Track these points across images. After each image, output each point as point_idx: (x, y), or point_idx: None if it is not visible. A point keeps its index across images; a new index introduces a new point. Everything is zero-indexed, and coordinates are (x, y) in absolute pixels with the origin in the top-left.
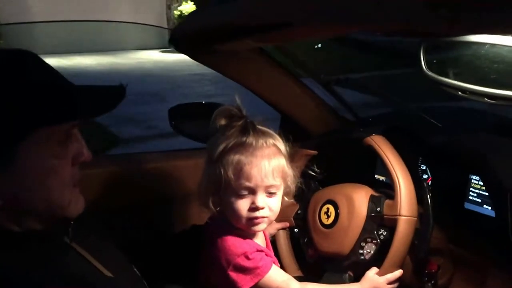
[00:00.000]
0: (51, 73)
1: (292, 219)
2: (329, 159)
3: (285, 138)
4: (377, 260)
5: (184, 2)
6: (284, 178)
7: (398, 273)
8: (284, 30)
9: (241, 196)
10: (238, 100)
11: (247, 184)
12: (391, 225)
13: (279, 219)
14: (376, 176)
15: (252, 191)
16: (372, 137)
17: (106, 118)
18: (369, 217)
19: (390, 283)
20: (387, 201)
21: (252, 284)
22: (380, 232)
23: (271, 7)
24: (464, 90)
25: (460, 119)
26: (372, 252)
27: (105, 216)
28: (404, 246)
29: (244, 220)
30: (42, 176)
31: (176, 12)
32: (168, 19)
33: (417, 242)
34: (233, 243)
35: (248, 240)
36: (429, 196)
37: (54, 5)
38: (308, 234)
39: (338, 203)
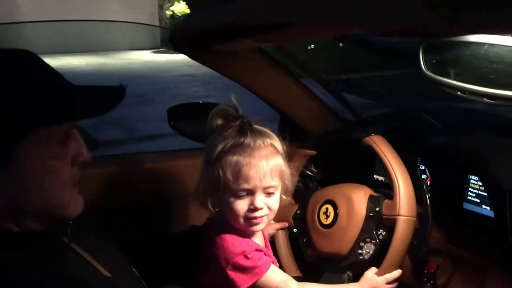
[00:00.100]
0: (51, 73)
1: (291, 219)
2: (328, 159)
3: (282, 137)
4: (376, 260)
5: (176, 2)
6: (282, 177)
7: (397, 273)
8: (284, 30)
9: (239, 197)
10: (234, 100)
11: (246, 185)
12: (390, 225)
13: (278, 219)
14: (375, 176)
15: (251, 192)
16: (371, 137)
17: (86, 120)
18: (368, 217)
19: (389, 283)
20: (386, 201)
21: (250, 283)
22: (379, 232)
23: (271, 7)
24: (463, 90)
25: (459, 119)
26: (371, 252)
27: (104, 216)
28: (403, 246)
29: (242, 220)
30: (41, 176)
31: (168, 12)
32: (160, 19)
33: (416, 242)
34: (232, 242)
35: (247, 240)
36: (428, 196)
37: (43, 5)
38: (307, 234)
39: (337, 203)
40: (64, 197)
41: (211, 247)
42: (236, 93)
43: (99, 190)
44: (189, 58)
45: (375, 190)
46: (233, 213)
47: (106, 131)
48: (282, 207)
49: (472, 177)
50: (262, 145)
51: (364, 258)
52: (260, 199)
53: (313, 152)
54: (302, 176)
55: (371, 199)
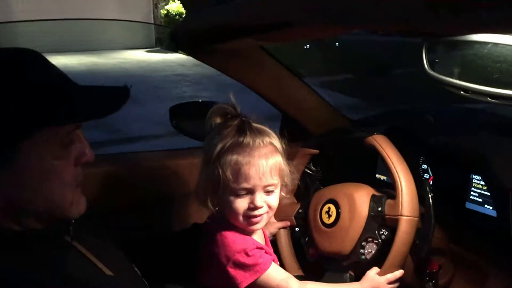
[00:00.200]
0: (55, 73)
1: (293, 218)
2: (330, 159)
3: (281, 135)
4: (378, 260)
5: (171, 1)
6: (281, 175)
7: (399, 273)
8: (284, 30)
9: (239, 196)
10: (232, 99)
11: (246, 184)
12: (392, 225)
13: (280, 218)
14: (377, 175)
15: (251, 191)
16: (373, 136)
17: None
18: (370, 217)
19: (390, 283)
20: (389, 201)
21: (251, 280)
22: (381, 232)
23: (271, 7)
24: (466, 90)
25: (461, 119)
26: (373, 252)
27: (105, 215)
28: (405, 246)
29: (243, 219)
30: (43, 177)
31: (163, 11)
32: (155, 18)
33: (418, 242)
34: (232, 240)
35: (247, 237)
36: (431, 196)
37: (37, 4)
38: (309, 234)
39: (339, 203)
40: (66, 197)
41: (212, 245)
42: (228, 93)
43: (100, 189)
44: (182, 58)
45: (377, 189)
46: (233, 211)
47: (85, 133)
48: (284, 206)
49: (475, 176)
50: (261, 144)
51: (366, 258)
52: (260, 198)
53: (316, 151)
54: (304, 175)
55: (373, 198)
